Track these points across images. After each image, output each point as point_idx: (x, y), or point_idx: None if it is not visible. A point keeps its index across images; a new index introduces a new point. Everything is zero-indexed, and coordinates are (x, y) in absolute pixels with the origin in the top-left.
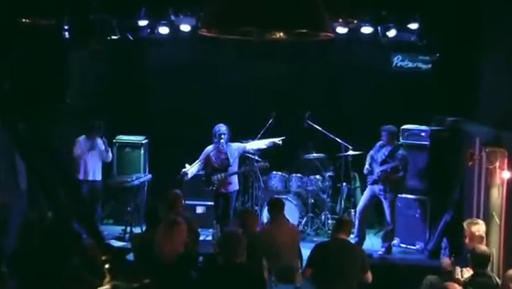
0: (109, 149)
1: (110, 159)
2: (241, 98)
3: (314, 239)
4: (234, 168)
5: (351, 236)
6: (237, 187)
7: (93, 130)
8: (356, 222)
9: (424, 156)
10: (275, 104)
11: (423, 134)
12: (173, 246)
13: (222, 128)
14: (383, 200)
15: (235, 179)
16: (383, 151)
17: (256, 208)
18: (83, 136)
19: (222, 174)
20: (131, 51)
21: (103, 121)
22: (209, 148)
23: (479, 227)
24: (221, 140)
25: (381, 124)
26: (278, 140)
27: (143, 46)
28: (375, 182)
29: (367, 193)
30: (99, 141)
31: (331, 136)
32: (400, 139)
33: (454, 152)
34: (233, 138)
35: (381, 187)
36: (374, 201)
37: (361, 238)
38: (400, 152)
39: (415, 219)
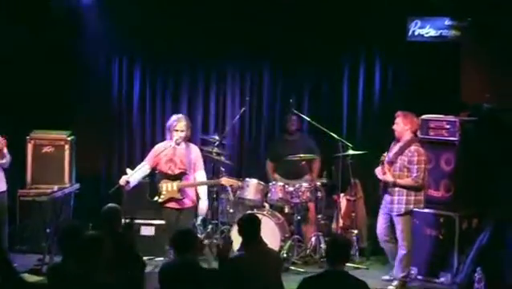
0: (6, 152)
1: (7, 164)
2: (203, 78)
3: (302, 270)
4: (190, 176)
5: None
6: (195, 202)
7: None
8: (385, 244)
9: (450, 156)
10: (250, 88)
11: (449, 126)
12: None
13: (181, 121)
14: (392, 215)
15: (192, 190)
16: (395, 147)
17: (223, 228)
18: None
19: (174, 184)
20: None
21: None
22: (160, 146)
23: None
24: (178, 138)
25: (392, 114)
26: (233, 182)
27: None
28: (384, 191)
29: (381, 209)
30: None
31: (325, 130)
32: (419, 133)
33: (493, 150)
34: (193, 135)
35: (389, 198)
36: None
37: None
38: (413, 147)
39: (438, 242)
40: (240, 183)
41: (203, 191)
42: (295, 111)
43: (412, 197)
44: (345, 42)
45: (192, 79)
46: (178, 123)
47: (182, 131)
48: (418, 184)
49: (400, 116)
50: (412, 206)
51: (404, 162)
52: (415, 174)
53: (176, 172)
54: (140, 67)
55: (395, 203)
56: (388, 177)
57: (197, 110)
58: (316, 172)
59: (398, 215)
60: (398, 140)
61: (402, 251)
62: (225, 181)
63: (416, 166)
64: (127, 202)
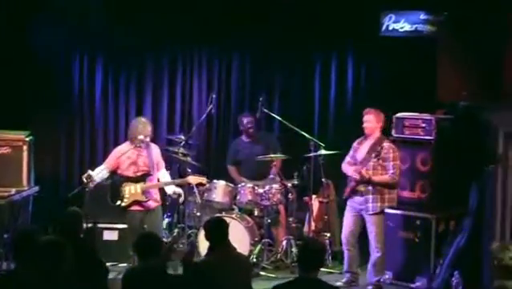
0: None
1: None
2: (168, 75)
3: (272, 276)
4: (153, 176)
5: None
6: (159, 202)
7: None
8: (345, 253)
9: (426, 156)
10: (217, 85)
11: (424, 125)
12: None
13: (146, 127)
14: (365, 216)
15: (156, 190)
16: (363, 146)
17: (189, 232)
18: None
19: (138, 186)
20: None
21: None
22: (121, 149)
23: (509, 254)
24: (142, 138)
25: None
26: (200, 180)
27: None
28: (353, 192)
29: (348, 212)
30: None
31: (296, 129)
32: (393, 132)
33: (469, 149)
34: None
35: (362, 198)
36: (362, 220)
37: (352, 275)
38: (386, 144)
39: (414, 245)
40: (205, 181)
41: (166, 180)
42: (265, 110)
43: (386, 196)
44: (316, 37)
45: (156, 76)
46: (144, 128)
47: (147, 136)
48: (395, 180)
49: (371, 112)
50: (386, 204)
51: (378, 160)
52: (391, 171)
53: (139, 174)
54: (101, 63)
55: (369, 202)
56: (365, 173)
57: (162, 108)
58: (277, 170)
59: (373, 214)
60: (365, 138)
61: (376, 254)
62: (191, 179)
63: (391, 163)
64: (88, 205)
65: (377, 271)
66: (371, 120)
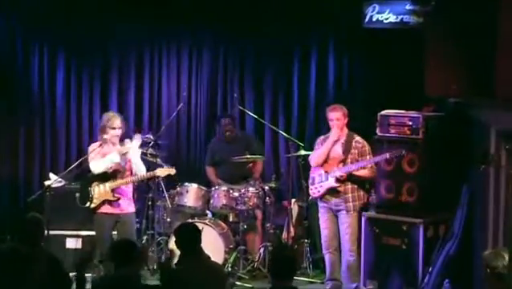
0: None
1: None
2: (134, 70)
3: (249, 286)
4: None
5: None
6: (133, 207)
7: None
8: (327, 257)
9: (413, 157)
10: (188, 81)
11: (411, 123)
12: None
13: (116, 119)
14: (342, 216)
15: (130, 193)
16: (337, 145)
17: (159, 239)
18: None
19: (107, 184)
20: None
21: None
22: (94, 146)
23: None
24: (114, 137)
25: (349, 109)
26: (169, 171)
27: None
28: (328, 193)
29: (324, 214)
30: None
31: (273, 128)
32: (377, 131)
33: (459, 149)
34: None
35: (340, 198)
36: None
37: (335, 283)
38: (358, 138)
39: (400, 252)
40: (174, 172)
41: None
42: (239, 107)
43: (362, 193)
44: (294, 29)
45: (122, 72)
46: (114, 120)
47: (119, 128)
48: (375, 174)
49: (338, 109)
50: (361, 203)
51: (355, 156)
52: (371, 165)
53: (111, 170)
54: (63, 58)
55: (349, 201)
56: (350, 167)
57: (129, 106)
58: (259, 174)
59: (349, 214)
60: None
61: (350, 258)
62: (160, 171)
63: (368, 156)
64: (49, 211)
65: (353, 276)
66: (340, 117)
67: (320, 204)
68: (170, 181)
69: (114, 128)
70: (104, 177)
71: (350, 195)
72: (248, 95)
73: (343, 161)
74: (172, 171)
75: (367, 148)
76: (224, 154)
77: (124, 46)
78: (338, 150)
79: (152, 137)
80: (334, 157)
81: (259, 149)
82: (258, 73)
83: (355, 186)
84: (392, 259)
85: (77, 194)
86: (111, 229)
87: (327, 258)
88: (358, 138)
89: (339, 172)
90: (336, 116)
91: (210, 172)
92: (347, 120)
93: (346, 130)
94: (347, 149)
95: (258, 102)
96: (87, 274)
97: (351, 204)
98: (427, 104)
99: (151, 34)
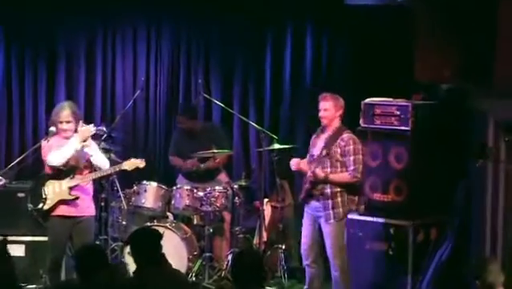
0: None
1: None
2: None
3: None
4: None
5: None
6: (93, 211)
7: None
8: (306, 270)
9: (401, 151)
10: (146, 65)
11: (399, 113)
12: None
13: (64, 110)
14: (322, 225)
15: (90, 193)
16: (320, 139)
17: (114, 246)
18: None
19: (63, 182)
20: None
21: None
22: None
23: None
24: (62, 127)
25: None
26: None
27: None
28: (309, 196)
29: (305, 220)
30: None
31: (243, 118)
32: (361, 122)
33: (452, 142)
34: None
35: (319, 204)
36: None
37: None
38: (346, 135)
39: (387, 258)
40: (143, 165)
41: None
42: (204, 95)
43: (346, 199)
44: (267, 7)
45: (71, 55)
46: (61, 113)
47: (68, 122)
48: (356, 179)
49: (329, 99)
50: (346, 210)
51: (337, 155)
52: (352, 168)
53: (66, 167)
54: (3, 44)
55: (328, 208)
56: (319, 172)
57: (79, 94)
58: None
59: (328, 222)
60: (323, 130)
61: (334, 272)
62: (126, 165)
63: (352, 157)
64: None
65: None
66: (330, 108)
67: (305, 208)
68: (126, 179)
69: (61, 122)
70: (60, 174)
71: (330, 201)
72: (214, 82)
73: (322, 160)
74: (142, 164)
75: (352, 147)
76: (185, 149)
77: (73, 28)
78: (320, 147)
79: (104, 129)
80: (316, 154)
81: (226, 142)
82: (225, 56)
83: (339, 190)
84: (377, 267)
85: (20, 194)
86: (67, 235)
87: (305, 270)
88: (346, 135)
89: (309, 172)
90: (324, 107)
91: (175, 159)
92: (341, 113)
93: (336, 124)
94: (327, 147)
95: (225, 89)
96: (30, 286)
97: (330, 211)
98: (417, 92)
99: (103, 16)
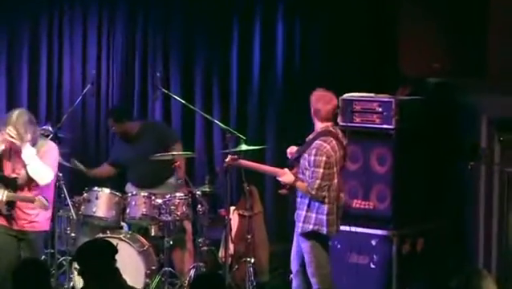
0: None
1: None
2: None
3: None
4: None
5: None
6: (42, 227)
7: None
8: (293, 279)
9: (384, 152)
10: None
11: (381, 109)
12: None
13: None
14: (298, 234)
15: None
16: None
17: (61, 260)
18: None
19: (5, 192)
20: None
21: None
22: None
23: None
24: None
25: (301, 91)
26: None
27: None
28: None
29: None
30: None
31: (206, 116)
32: (339, 119)
33: (441, 142)
34: None
35: (296, 211)
36: None
37: None
38: (316, 142)
39: (368, 272)
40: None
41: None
42: (164, 90)
43: (313, 215)
44: None
45: (12, 45)
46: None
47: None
48: (311, 195)
49: (313, 94)
50: (312, 226)
51: (305, 162)
52: (310, 180)
53: (13, 175)
54: None
55: (300, 220)
56: (286, 177)
57: (21, 89)
58: (183, 169)
59: (302, 235)
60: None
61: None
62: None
63: (312, 169)
64: None
65: None
66: (311, 103)
67: None
68: (75, 185)
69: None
70: (8, 180)
71: (303, 213)
72: (174, 75)
73: (295, 164)
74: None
75: (313, 158)
76: (128, 157)
77: (14, 11)
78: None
79: (50, 129)
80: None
81: (175, 140)
82: (186, 47)
83: (311, 203)
84: (358, 282)
85: None
86: (11, 250)
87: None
88: (316, 143)
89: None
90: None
91: (104, 168)
92: (320, 113)
93: (317, 125)
94: (299, 150)
95: (186, 83)
96: None
97: (301, 224)
98: (402, 86)
99: None
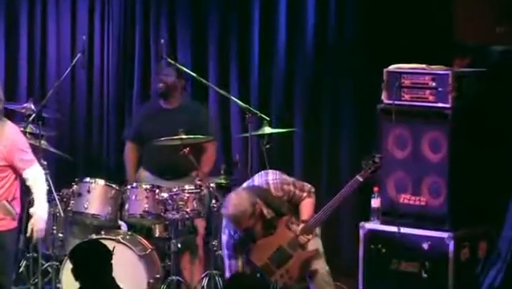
0: None
1: None
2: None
3: None
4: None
5: None
6: (14, 223)
7: None
8: None
9: (438, 136)
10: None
11: (435, 84)
12: None
13: None
14: None
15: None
16: None
17: (46, 266)
18: None
19: None
20: None
21: None
22: None
23: None
24: None
25: (341, 64)
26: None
27: None
28: None
29: None
30: None
31: (221, 91)
32: (383, 96)
33: (508, 123)
34: None
35: None
36: None
37: None
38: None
39: (419, 282)
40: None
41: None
42: (169, 60)
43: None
44: None
45: None
46: None
47: None
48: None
49: None
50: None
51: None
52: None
53: None
54: None
55: None
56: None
57: None
58: (210, 164)
59: None
60: None
61: None
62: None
63: (290, 188)
64: None
65: None
66: None
67: None
68: (63, 175)
69: None
70: None
71: None
72: (182, 43)
73: None
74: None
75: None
76: (154, 128)
77: None
78: None
79: (32, 108)
80: None
81: (210, 126)
82: (196, 7)
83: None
84: None
85: None
86: None
87: None
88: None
89: None
90: None
91: (130, 152)
92: None
93: None
94: None
95: (197, 54)
96: None
97: None
98: (460, 56)
99: None
